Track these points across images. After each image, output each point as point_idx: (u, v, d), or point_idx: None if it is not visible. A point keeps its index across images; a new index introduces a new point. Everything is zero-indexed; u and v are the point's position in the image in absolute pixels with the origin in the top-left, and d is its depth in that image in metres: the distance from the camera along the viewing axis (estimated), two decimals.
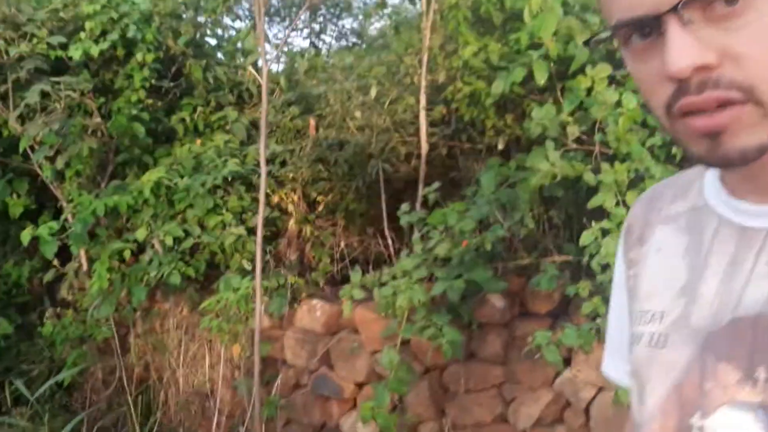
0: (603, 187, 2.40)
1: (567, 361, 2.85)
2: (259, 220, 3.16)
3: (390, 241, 3.85)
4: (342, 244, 4.15)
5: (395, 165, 3.95)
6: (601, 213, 2.96)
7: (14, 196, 4.25)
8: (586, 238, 2.33)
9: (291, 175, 4.04)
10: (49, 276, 4.32)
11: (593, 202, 2.40)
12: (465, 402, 3.05)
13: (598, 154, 2.57)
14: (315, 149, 4.14)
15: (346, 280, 3.97)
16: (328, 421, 3.61)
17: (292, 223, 4.05)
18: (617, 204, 2.37)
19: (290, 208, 4.04)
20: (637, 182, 2.42)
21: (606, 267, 2.25)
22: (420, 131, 3.73)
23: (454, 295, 2.71)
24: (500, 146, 3.44)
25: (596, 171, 2.48)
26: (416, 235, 2.92)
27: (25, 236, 3.82)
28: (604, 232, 2.31)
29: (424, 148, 3.70)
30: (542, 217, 2.99)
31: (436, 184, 3.07)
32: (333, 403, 3.57)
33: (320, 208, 4.19)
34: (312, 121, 4.34)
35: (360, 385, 3.47)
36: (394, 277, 2.93)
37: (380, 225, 3.97)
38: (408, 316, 2.84)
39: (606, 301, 2.29)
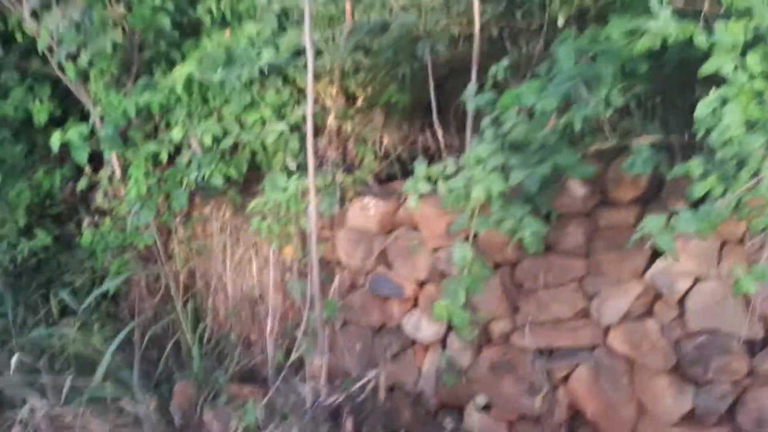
0: (718, 49, 2.04)
1: (657, 251, 2.61)
2: (308, 110, 2.86)
3: (439, 135, 3.54)
4: (385, 141, 3.84)
5: (445, 49, 3.55)
6: (691, 87, 2.63)
7: (37, 102, 3.97)
8: (701, 109, 2.01)
9: (327, 66, 3.67)
10: (82, 184, 4.11)
11: (706, 68, 2.05)
12: (541, 298, 2.85)
13: (707, 13, 2.19)
14: (352, 36, 3.74)
15: (392, 177, 3.70)
16: (387, 322, 3.45)
17: (331, 119, 3.73)
18: (735, 68, 2.03)
19: (328, 102, 3.70)
20: (758, 42, 2.06)
21: (727, 142, 1.94)
22: (473, 6, 3.31)
23: (533, 183, 2.43)
24: (560, 22, 3.05)
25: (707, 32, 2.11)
26: (485, 120, 2.61)
27: (55, 141, 3.57)
28: (723, 102, 1.98)
29: (477, 25, 3.29)
30: (626, 95, 2.63)
31: (505, 61, 2.72)
32: (392, 303, 3.40)
33: (360, 101, 3.85)
34: (348, 5, 3.92)
35: (421, 284, 3.28)
36: (461, 169, 2.65)
37: (426, 118, 3.65)
38: (480, 210, 2.57)
39: (725, 179, 2.00)
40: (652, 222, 2.08)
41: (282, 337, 3.97)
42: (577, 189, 2.64)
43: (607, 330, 2.77)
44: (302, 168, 3.40)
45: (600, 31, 2.40)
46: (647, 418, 2.78)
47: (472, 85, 2.74)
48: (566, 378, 2.91)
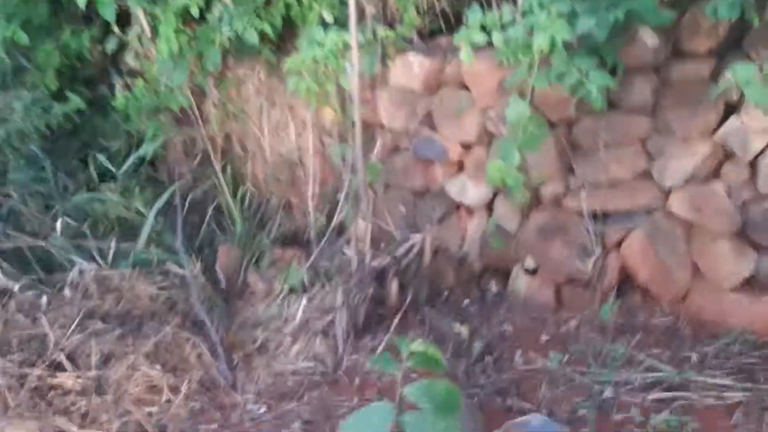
0: None
1: (731, 108, 2.40)
2: None
3: None
4: None
5: None
6: None
7: None
8: None
9: None
10: (112, 45, 3.93)
11: None
12: (599, 159, 2.69)
13: None
14: None
15: (436, 33, 3.44)
16: (431, 186, 3.35)
17: None
18: None
19: None
20: None
21: None
22: None
23: (603, 31, 2.19)
24: None
25: None
26: None
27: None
28: None
29: None
30: None
31: None
32: (436, 167, 3.28)
33: None
34: None
35: (467, 147, 3.13)
36: (520, 17, 2.41)
37: None
38: (539, 63, 2.36)
39: None
40: (742, 71, 1.86)
41: (322, 201, 3.92)
42: (649, 38, 2.39)
43: (668, 192, 2.62)
44: (339, 23, 3.17)
45: None
46: (702, 284, 2.71)
47: None
48: (620, 242, 2.81)
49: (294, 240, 4.10)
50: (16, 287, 3.35)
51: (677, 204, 2.58)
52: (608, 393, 2.46)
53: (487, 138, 3.01)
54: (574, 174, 2.82)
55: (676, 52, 2.50)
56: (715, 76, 2.38)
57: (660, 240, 2.68)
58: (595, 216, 2.80)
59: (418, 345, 1.62)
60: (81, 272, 3.56)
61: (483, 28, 2.54)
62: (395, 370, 1.61)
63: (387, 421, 1.52)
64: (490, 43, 2.63)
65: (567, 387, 2.55)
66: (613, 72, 2.43)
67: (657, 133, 2.56)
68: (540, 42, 2.17)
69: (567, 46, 2.24)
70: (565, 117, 2.71)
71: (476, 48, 2.69)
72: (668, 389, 2.40)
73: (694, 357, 2.50)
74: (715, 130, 2.43)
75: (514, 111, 2.40)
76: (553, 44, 2.18)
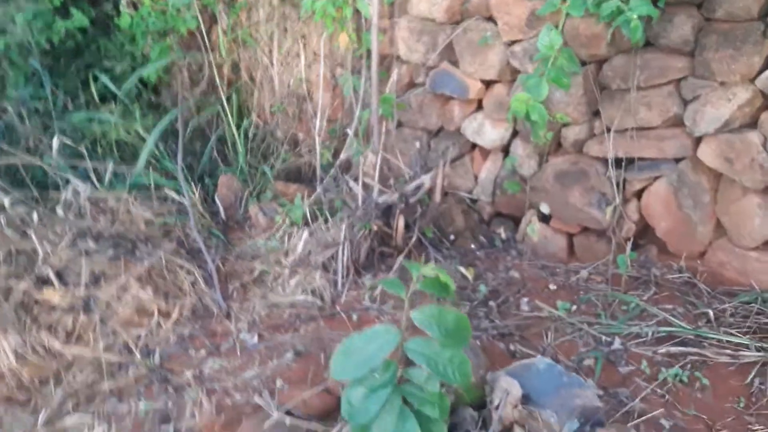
0: None
1: None
2: None
3: None
4: None
5: None
6: None
7: None
8: None
9: None
10: None
11: None
12: (628, 101, 2.53)
13: None
14: None
15: None
16: (446, 125, 3.20)
17: None
18: None
19: None
20: None
21: None
22: None
23: None
24: None
25: None
26: None
27: None
28: None
29: None
30: None
31: None
32: (454, 104, 3.12)
33: None
34: None
35: (489, 84, 2.97)
36: None
37: None
38: None
39: None
40: None
41: (330, 138, 3.77)
42: None
43: (698, 141, 2.47)
44: None
45: None
46: (724, 240, 2.58)
47: None
48: (641, 191, 2.67)
49: (298, 176, 3.96)
50: (7, 202, 3.23)
51: (707, 153, 2.43)
52: (617, 345, 2.36)
53: (510, 75, 2.85)
54: (600, 118, 2.67)
55: None
56: (764, 14, 2.20)
57: (684, 192, 2.54)
58: (617, 163, 2.66)
59: (429, 269, 1.49)
60: (75, 192, 3.43)
61: None
62: (402, 294, 1.49)
63: (391, 344, 1.40)
64: None
65: (574, 336, 2.44)
66: (654, 4, 2.26)
67: (694, 75, 2.40)
68: None
69: None
70: (597, 54, 2.54)
71: None
72: (681, 345, 2.29)
73: (711, 314, 2.39)
74: (758, 74, 2.27)
75: (545, 41, 2.24)
76: None
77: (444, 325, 1.41)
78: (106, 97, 4.10)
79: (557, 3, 2.22)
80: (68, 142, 3.71)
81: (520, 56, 2.71)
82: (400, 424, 1.42)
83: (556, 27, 2.28)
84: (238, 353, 2.64)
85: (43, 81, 3.99)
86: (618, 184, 2.64)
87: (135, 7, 3.98)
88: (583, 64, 2.60)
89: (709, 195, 2.52)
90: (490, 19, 2.85)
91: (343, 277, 2.91)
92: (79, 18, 4.01)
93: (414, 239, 2.96)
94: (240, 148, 3.88)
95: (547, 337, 2.46)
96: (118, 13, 4.02)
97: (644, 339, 2.36)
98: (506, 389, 1.86)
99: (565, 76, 2.23)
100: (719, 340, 2.27)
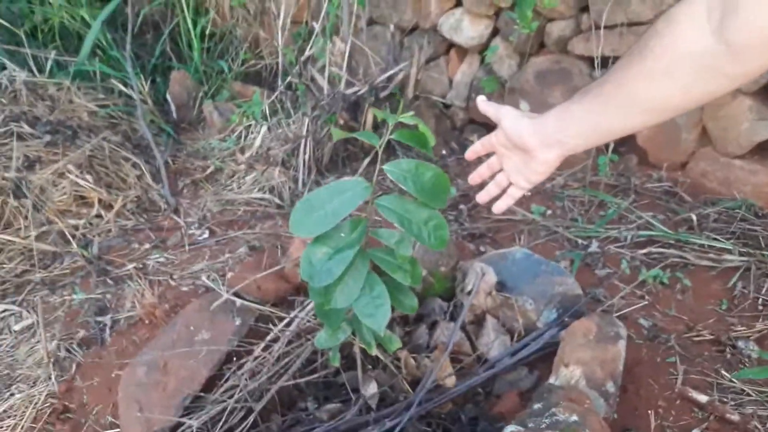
0: None
1: None
2: None
3: None
4: None
5: None
6: None
7: None
8: None
9: None
10: None
11: None
12: None
13: None
14: None
15: None
16: (421, 22, 2.97)
17: None
18: None
19: None
20: None
21: None
22: None
23: None
24: None
25: None
26: None
27: None
28: None
29: None
30: None
31: None
32: None
33: None
34: None
35: None
36: None
37: None
38: None
39: None
40: None
41: (295, 39, 3.50)
42: None
43: None
44: None
45: None
46: (708, 149, 2.45)
47: None
48: None
49: (259, 79, 3.69)
50: None
51: None
52: (594, 247, 2.22)
53: None
54: (588, 13, 2.48)
55: None
56: None
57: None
58: (603, 62, 2.48)
59: (408, 117, 1.28)
60: (11, 77, 3.11)
61: None
62: (375, 143, 1.28)
63: (360, 198, 1.20)
64: None
65: (549, 239, 2.30)
66: None
67: None
68: None
69: None
70: None
71: None
72: (662, 248, 2.17)
73: (693, 219, 2.26)
74: None
75: None
76: None
77: (420, 181, 1.22)
78: None
79: None
80: (6, 25, 3.36)
81: None
82: (366, 289, 1.24)
83: None
84: (186, 248, 2.42)
85: None
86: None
87: None
88: None
89: None
90: None
91: (304, 175, 2.70)
92: None
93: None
94: (195, 45, 3.58)
95: (520, 240, 2.31)
96: None
97: (623, 243, 2.23)
98: (481, 272, 1.69)
99: None
100: (701, 245, 2.15)
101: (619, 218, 2.36)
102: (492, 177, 1.19)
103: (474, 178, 1.22)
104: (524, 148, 1.05)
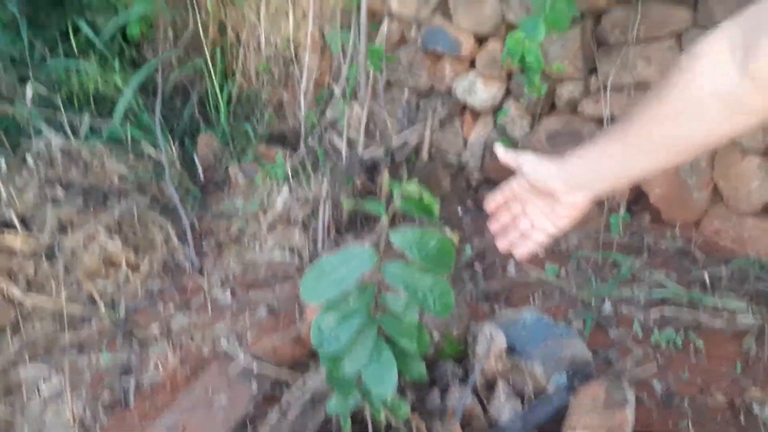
0: None
1: None
2: None
3: None
4: None
5: None
6: None
7: None
8: None
9: None
10: None
11: None
12: (626, 55, 2.41)
13: None
14: None
15: None
16: (436, 84, 3.07)
17: None
18: None
19: None
20: None
21: None
22: None
23: None
24: None
25: None
26: None
27: None
28: None
29: None
30: None
31: None
32: (446, 62, 2.99)
33: None
34: None
35: (482, 40, 2.85)
36: None
37: None
38: None
39: None
40: None
41: (317, 102, 3.64)
42: None
43: None
44: None
45: None
46: (720, 207, 2.47)
47: None
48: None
49: (282, 140, 3.82)
50: None
51: None
52: (607, 307, 2.24)
53: (505, 30, 2.73)
54: (596, 75, 2.55)
55: None
56: None
57: None
58: (613, 121, 2.54)
59: (412, 186, 1.36)
60: (48, 142, 3.28)
61: None
62: (381, 213, 1.36)
63: (366, 265, 1.27)
64: None
65: (562, 299, 2.33)
66: None
67: (696, 26, 2.28)
68: None
69: None
70: (595, 5, 2.43)
71: None
72: (675, 309, 2.18)
73: (706, 278, 2.28)
74: None
75: None
76: None
77: (425, 248, 1.28)
78: (86, 50, 3.94)
79: None
80: (44, 92, 3.55)
81: (516, 8, 2.59)
82: (374, 356, 1.30)
83: None
84: (209, 309, 2.50)
85: (21, 30, 3.83)
86: None
87: None
88: (582, 17, 2.48)
89: (706, 158, 2.41)
90: None
91: (323, 235, 2.78)
92: None
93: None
94: (222, 108, 3.74)
95: (534, 300, 2.34)
96: None
97: (636, 303, 2.24)
98: (490, 336, 1.73)
99: (563, 18, 2.11)
100: (715, 306, 2.16)
101: (632, 278, 2.38)
102: (512, 223, 1.14)
103: (494, 224, 1.16)
104: (548, 193, 1.02)
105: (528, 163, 1.03)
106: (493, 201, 1.15)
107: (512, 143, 2.81)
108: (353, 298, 1.31)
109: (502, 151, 1.09)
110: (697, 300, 2.19)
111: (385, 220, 1.22)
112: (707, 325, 2.10)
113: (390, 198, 2.76)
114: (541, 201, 1.06)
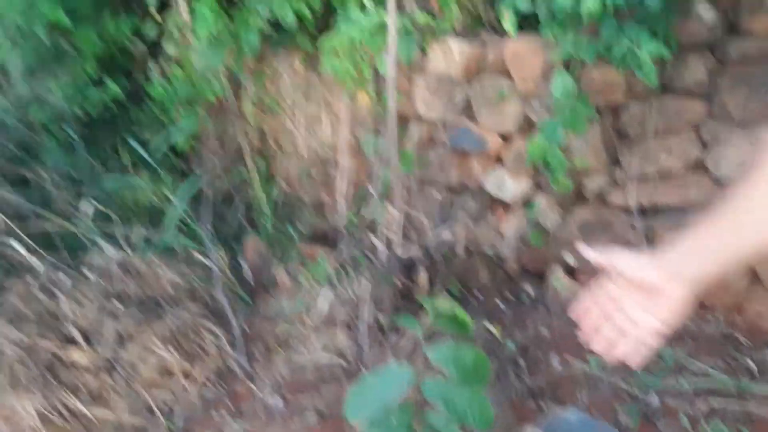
0: None
1: None
2: None
3: None
4: None
5: None
6: None
7: None
8: None
9: None
10: (151, 32, 3.93)
11: None
12: (648, 147, 2.50)
13: None
14: None
15: (480, 21, 3.30)
16: (467, 181, 3.19)
17: None
18: None
19: None
20: None
21: None
22: None
23: (655, 2, 2.03)
24: None
25: None
26: None
27: None
28: None
29: None
30: None
31: None
32: (473, 160, 3.12)
33: None
34: None
35: (507, 138, 2.97)
36: None
37: None
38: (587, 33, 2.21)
39: None
40: None
41: (355, 202, 3.79)
42: (704, 14, 2.22)
43: (724, 185, 2.41)
44: (379, 4, 3.07)
45: None
46: (759, 289, 2.47)
47: None
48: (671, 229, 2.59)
49: (324, 239, 3.97)
50: (39, 265, 3.30)
51: None
52: (654, 399, 2.24)
53: (528, 128, 2.85)
54: (621, 166, 2.64)
55: (735, 29, 2.32)
56: None
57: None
58: (642, 211, 2.60)
59: (445, 303, 1.45)
60: (105, 256, 3.50)
61: None
62: (417, 330, 1.45)
63: (405, 385, 1.35)
64: (533, 24, 2.49)
65: (608, 392, 2.33)
66: (667, 48, 2.26)
67: (712, 118, 2.36)
68: (589, 5, 2.01)
69: (618, 13, 2.08)
70: (613, 101, 2.53)
71: (520, 25, 2.55)
72: (722, 399, 2.16)
73: (752, 366, 2.26)
74: None
75: (559, 86, 2.24)
76: (603, 7, 2.01)
77: (461, 363, 1.35)
78: (137, 163, 4.22)
79: (569, 49, 2.23)
80: (99, 206, 3.80)
81: (537, 107, 2.72)
82: None
83: (571, 74, 2.29)
84: (261, 416, 2.59)
85: (78, 149, 4.14)
86: (645, 234, 2.57)
87: (166, 76, 4.14)
88: (602, 112, 2.59)
89: None
90: (506, 73, 2.87)
91: (366, 336, 2.86)
92: (113, 89, 4.17)
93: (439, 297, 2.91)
94: (266, 212, 3.92)
95: (579, 394, 2.35)
96: (151, 82, 4.17)
97: (683, 394, 2.23)
98: None
99: (581, 120, 2.22)
100: (764, 393, 2.14)
101: (677, 367, 2.38)
102: (606, 322, 1.03)
103: (584, 324, 1.05)
104: (650, 289, 0.96)
105: (622, 260, 0.98)
106: (582, 309, 1.05)
107: (545, 235, 2.88)
108: (395, 416, 1.38)
109: (589, 252, 1.03)
110: (745, 389, 2.17)
111: (420, 335, 1.30)
112: (757, 415, 2.08)
113: (429, 297, 2.84)
114: (639, 296, 0.98)
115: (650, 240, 2.59)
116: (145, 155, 4.03)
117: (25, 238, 3.34)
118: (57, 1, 3.77)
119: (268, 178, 4.10)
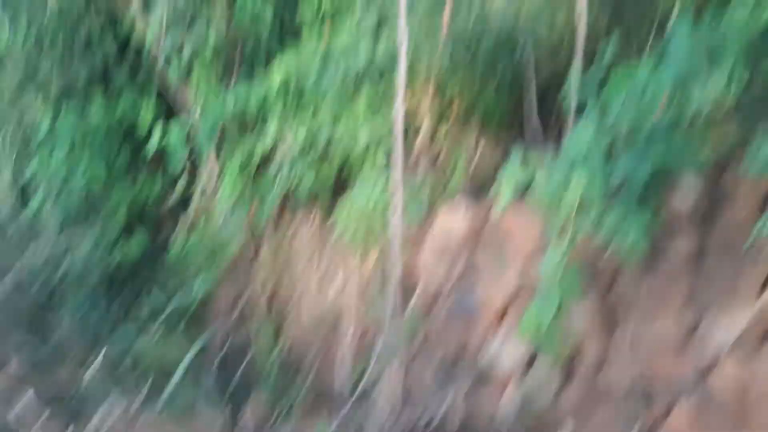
0: None
1: None
2: (398, 104, 2.68)
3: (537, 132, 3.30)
4: (480, 148, 3.62)
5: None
6: None
7: (145, 101, 3.98)
8: None
9: (423, 72, 3.46)
10: (176, 195, 4.14)
11: None
12: (641, 315, 2.53)
13: None
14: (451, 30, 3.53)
15: (485, 186, 3.44)
16: (469, 341, 3.20)
17: (426, 122, 3.54)
18: None
19: (423, 105, 3.52)
20: None
21: None
22: None
23: (641, 175, 2.15)
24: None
25: None
26: (590, 104, 2.36)
27: (155, 138, 3.67)
28: None
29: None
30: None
31: (615, 36, 2.46)
32: (476, 321, 3.15)
33: (455, 106, 3.65)
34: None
35: (507, 302, 3.03)
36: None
37: (522, 125, 3.40)
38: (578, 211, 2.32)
39: None
40: None
41: (360, 354, 3.79)
42: (690, 184, 2.32)
43: (717, 356, 2.40)
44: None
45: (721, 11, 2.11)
46: None
47: (578, 62, 2.47)
48: (668, 408, 2.54)
49: (328, 392, 3.92)
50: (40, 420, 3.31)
51: (729, 367, 2.34)
52: None
53: (527, 293, 2.91)
54: (614, 336, 2.66)
55: (721, 199, 2.41)
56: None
57: (713, 409, 2.39)
58: (641, 378, 2.59)
59: None
60: (111, 413, 3.48)
61: (526, 164, 2.53)
62: None
63: None
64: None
65: None
66: (654, 218, 2.35)
67: (702, 285, 2.40)
68: (578, 184, 2.12)
69: (606, 190, 2.19)
70: (605, 272, 2.61)
71: (517, 197, 2.69)
72: None
73: None
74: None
75: (550, 261, 2.33)
76: (591, 185, 2.12)
77: None
78: (155, 313, 4.27)
79: (563, 221, 2.33)
80: (112, 357, 3.85)
81: (535, 275, 2.78)
82: None
83: (562, 246, 2.37)
84: None
85: (99, 299, 4.25)
86: (643, 401, 2.55)
87: (189, 233, 4.27)
88: (595, 282, 2.65)
89: (735, 406, 2.38)
90: (506, 241, 2.98)
91: None
92: (141, 241, 4.29)
93: None
94: (272, 370, 3.94)
95: None
96: (175, 237, 4.29)
97: None
98: None
99: (574, 291, 2.28)
100: None
101: None
102: None
103: None
104: None
105: None
106: None
107: (545, 401, 2.85)
108: None
109: None
110: None
111: None
112: None
113: None
114: None
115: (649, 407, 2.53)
116: (163, 308, 4.11)
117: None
118: (99, 158, 3.98)
119: (278, 332, 4.14)
